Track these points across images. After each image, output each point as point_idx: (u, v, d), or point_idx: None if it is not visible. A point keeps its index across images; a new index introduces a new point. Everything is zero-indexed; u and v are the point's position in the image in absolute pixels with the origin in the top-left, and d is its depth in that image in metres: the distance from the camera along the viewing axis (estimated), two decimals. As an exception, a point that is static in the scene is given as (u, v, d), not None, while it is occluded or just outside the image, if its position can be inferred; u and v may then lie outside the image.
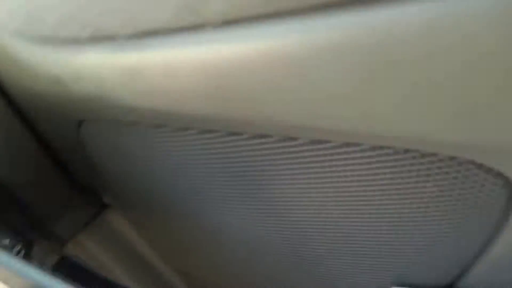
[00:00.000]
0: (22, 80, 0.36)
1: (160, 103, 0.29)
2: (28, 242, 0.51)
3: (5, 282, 0.32)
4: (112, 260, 0.68)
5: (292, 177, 0.31)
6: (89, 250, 0.68)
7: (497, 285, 0.32)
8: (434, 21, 0.18)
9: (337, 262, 0.39)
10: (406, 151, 0.24)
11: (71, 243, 0.68)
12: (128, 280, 0.70)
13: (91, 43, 0.28)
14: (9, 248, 0.48)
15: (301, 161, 0.29)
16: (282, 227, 0.38)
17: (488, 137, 0.21)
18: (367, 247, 0.34)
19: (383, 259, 0.35)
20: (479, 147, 0.22)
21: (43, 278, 0.32)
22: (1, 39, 0.33)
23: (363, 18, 0.19)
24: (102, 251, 0.68)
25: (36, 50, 0.31)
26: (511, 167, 0.23)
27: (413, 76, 0.20)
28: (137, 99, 0.30)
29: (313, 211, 0.34)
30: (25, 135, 0.48)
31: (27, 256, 0.49)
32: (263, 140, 0.28)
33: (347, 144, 0.26)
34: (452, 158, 0.24)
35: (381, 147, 0.25)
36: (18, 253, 0.49)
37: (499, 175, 0.24)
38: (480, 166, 0.24)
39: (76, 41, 0.29)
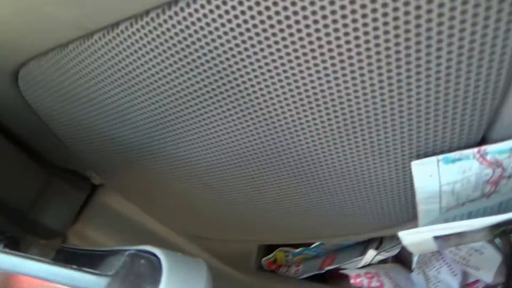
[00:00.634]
0: None
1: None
2: (13, 240, 0.45)
3: None
4: (113, 238, 0.63)
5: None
6: (90, 237, 0.63)
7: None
8: None
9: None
10: None
11: (70, 234, 0.63)
12: None
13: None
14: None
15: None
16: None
17: None
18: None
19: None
20: None
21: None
22: None
23: None
24: (103, 235, 0.63)
25: None
26: None
27: None
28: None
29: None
30: None
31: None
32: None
33: None
34: None
35: None
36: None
37: None
38: None
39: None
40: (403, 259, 0.52)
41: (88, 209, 0.63)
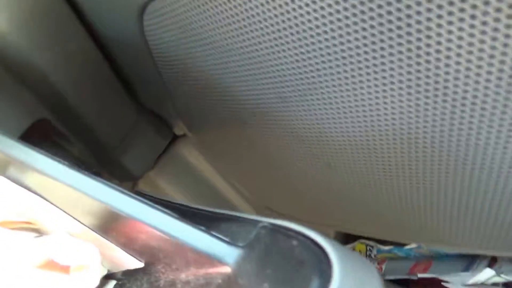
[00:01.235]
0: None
1: None
2: (96, 174, 0.42)
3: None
4: (183, 194, 0.60)
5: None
6: (159, 186, 0.60)
7: None
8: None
9: None
10: None
11: (142, 180, 0.60)
12: None
13: None
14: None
15: None
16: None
17: None
18: None
19: None
20: None
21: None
22: None
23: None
24: (174, 187, 0.60)
25: None
26: None
27: None
28: None
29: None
30: (90, 46, 0.39)
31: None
32: None
33: None
34: None
35: None
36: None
37: None
38: None
39: None
40: None
41: (164, 158, 0.60)
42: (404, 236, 0.46)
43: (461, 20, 0.19)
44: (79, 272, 0.24)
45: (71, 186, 0.22)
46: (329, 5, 0.21)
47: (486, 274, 0.39)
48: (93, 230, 0.26)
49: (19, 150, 0.22)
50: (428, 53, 0.21)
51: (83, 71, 0.38)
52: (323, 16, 0.22)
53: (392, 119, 0.26)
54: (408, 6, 0.19)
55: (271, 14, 0.24)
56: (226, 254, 0.21)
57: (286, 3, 0.23)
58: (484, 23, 0.18)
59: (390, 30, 0.21)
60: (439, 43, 0.20)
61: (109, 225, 0.25)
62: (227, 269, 0.20)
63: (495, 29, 0.19)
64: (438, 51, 0.20)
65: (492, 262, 0.42)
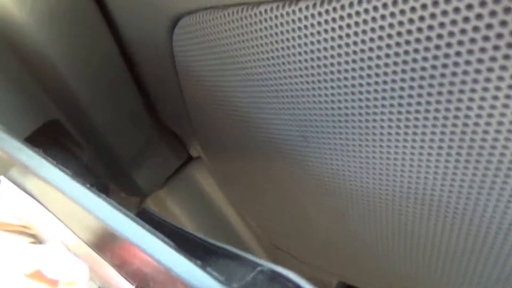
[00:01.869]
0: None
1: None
2: (103, 185, 0.42)
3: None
4: (190, 219, 0.59)
5: None
6: (168, 207, 0.59)
7: None
8: None
9: None
10: None
11: (151, 198, 0.59)
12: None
13: None
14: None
15: None
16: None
17: None
18: None
19: None
20: None
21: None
22: None
23: None
24: (182, 210, 0.59)
25: None
26: None
27: None
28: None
29: None
30: (113, 51, 0.39)
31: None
32: None
33: None
34: None
35: None
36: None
37: None
38: None
39: None
40: None
41: (176, 179, 0.59)
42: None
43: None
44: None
45: (70, 198, 0.21)
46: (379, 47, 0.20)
47: None
48: (88, 245, 0.25)
49: (23, 152, 0.21)
50: (476, 124, 0.19)
51: (102, 75, 0.38)
52: (369, 59, 0.21)
53: (416, 178, 0.24)
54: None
55: (315, 51, 0.23)
56: (217, 293, 0.20)
57: (333, 47, 0.22)
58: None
59: (440, 93, 0.19)
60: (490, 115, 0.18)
61: (105, 244, 0.23)
62: (216, 310, 0.19)
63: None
64: (487, 124, 0.19)
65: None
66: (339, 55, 0.21)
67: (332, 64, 0.22)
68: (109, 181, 0.52)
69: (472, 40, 0.16)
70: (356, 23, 0.19)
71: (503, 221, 0.23)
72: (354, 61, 0.21)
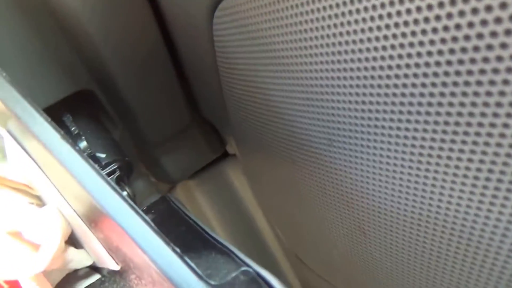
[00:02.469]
0: None
1: None
2: (127, 165, 0.41)
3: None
4: (215, 215, 0.57)
5: None
6: (196, 198, 0.57)
7: None
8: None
9: None
10: None
11: (180, 186, 0.58)
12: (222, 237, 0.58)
13: None
14: (101, 164, 0.39)
15: None
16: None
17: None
18: None
19: None
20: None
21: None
22: None
23: None
24: (209, 204, 0.57)
25: None
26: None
27: None
28: None
29: None
30: (154, 32, 0.38)
31: (120, 180, 0.39)
32: None
33: None
34: None
35: None
36: (111, 173, 0.39)
37: None
38: None
39: None
40: None
41: (208, 172, 0.58)
42: None
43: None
44: (36, 252, 0.22)
45: (61, 164, 0.20)
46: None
47: None
48: (78, 216, 0.24)
49: (19, 104, 0.20)
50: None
51: (139, 53, 0.37)
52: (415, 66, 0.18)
53: (446, 209, 0.21)
54: None
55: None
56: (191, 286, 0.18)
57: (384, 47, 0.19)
58: None
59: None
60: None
61: (91, 216, 0.22)
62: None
63: None
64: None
65: None
66: (382, 58, 0.19)
67: (368, 64, 0.19)
68: (138, 162, 0.51)
69: None
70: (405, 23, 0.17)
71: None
72: (398, 66, 0.18)
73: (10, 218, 0.23)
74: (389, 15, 0.17)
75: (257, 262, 0.58)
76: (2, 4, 0.32)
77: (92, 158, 0.39)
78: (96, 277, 0.30)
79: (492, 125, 0.16)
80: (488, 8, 0.13)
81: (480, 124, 0.16)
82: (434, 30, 0.15)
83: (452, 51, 0.15)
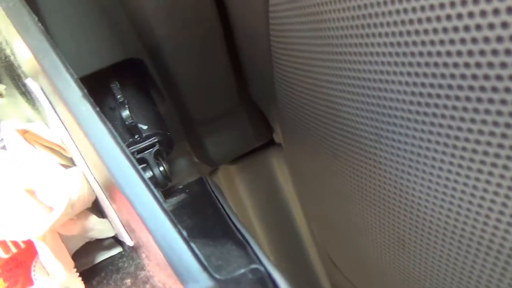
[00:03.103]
0: None
1: None
2: (168, 141, 0.40)
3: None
4: (253, 203, 0.55)
5: None
6: (235, 184, 0.56)
7: None
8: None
9: None
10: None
11: (221, 170, 0.57)
12: (258, 230, 0.56)
13: None
14: (141, 135, 0.38)
15: None
16: None
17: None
18: None
19: None
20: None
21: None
22: None
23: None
24: (247, 191, 0.55)
25: None
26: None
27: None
28: None
29: None
30: (210, 8, 0.36)
31: (158, 154, 0.38)
32: None
33: None
34: None
35: None
36: (150, 146, 0.39)
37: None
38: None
39: None
40: None
41: (251, 159, 0.56)
42: None
43: None
44: (45, 213, 0.21)
45: (77, 122, 0.19)
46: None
47: None
48: (98, 184, 0.23)
49: (50, 59, 0.19)
50: None
51: (191, 25, 0.36)
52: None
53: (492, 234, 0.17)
54: None
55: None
56: (193, 279, 0.16)
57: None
58: None
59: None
60: None
61: (106, 184, 0.21)
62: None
63: None
64: None
65: None
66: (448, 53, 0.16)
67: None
68: (183, 141, 0.50)
69: None
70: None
71: None
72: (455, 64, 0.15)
73: (31, 176, 0.22)
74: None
75: (288, 258, 0.56)
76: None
77: (133, 128, 0.39)
78: (117, 250, 0.30)
79: None
80: None
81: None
82: None
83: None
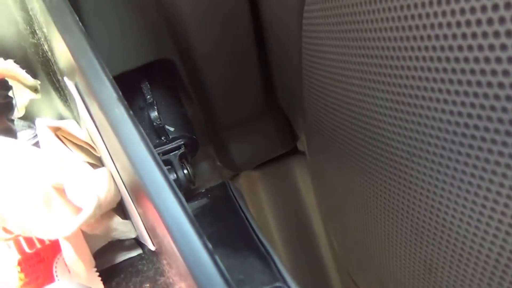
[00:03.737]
0: None
1: None
2: (193, 143, 0.40)
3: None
4: (273, 211, 0.55)
5: None
6: (256, 191, 0.55)
7: None
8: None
9: None
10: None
11: (243, 176, 0.57)
12: (276, 237, 0.55)
13: None
14: (168, 137, 0.38)
15: None
16: None
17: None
18: None
19: None
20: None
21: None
22: None
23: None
24: (268, 199, 0.55)
25: None
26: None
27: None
28: None
29: None
30: (244, 13, 0.36)
31: (183, 157, 0.38)
32: None
33: None
34: None
35: None
36: (176, 149, 0.39)
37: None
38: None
39: None
40: None
41: (274, 166, 0.56)
42: None
43: None
44: (73, 214, 0.21)
45: (110, 124, 0.19)
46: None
47: None
48: (124, 186, 0.23)
49: (88, 59, 0.19)
50: None
51: (224, 30, 0.35)
52: None
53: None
54: None
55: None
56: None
57: None
58: None
59: None
60: None
61: (133, 187, 0.21)
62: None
63: None
64: None
65: None
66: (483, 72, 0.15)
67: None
68: (207, 144, 0.50)
69: None
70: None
71: None
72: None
73: (61, 173, 0.22)
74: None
75: (305, 271, 0.55)
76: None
77: (160, 129, 0.39)
78: (138, 251, 0.30)
79: None
80: None
81: None
82: None
83: None
